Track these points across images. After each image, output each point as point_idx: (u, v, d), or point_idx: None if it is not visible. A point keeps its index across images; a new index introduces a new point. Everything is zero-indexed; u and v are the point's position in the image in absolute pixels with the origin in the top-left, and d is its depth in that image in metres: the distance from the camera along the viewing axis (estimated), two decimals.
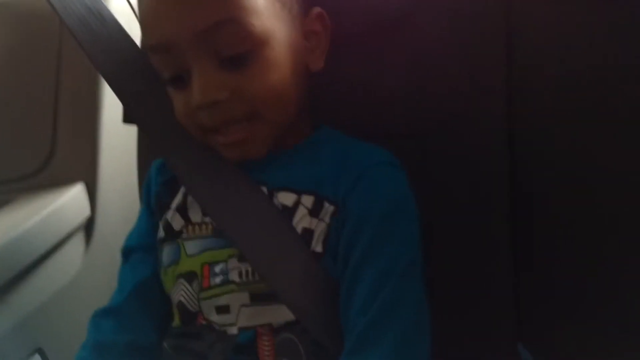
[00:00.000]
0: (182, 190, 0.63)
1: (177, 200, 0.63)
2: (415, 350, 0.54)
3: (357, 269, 0.54)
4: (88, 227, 0.98)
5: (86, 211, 0.96)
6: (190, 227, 0.61)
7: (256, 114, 0.55)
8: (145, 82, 0.61)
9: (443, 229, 0.67)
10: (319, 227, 0.56)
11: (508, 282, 0.67)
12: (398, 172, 0.59)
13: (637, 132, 0.58)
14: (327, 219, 0.56)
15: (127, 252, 0.67)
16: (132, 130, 0.84)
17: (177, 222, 0.61)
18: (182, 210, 0.62)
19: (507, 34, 0.65)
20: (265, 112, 0.55)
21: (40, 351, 0.86)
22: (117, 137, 0.99)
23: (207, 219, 0.60)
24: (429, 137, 0.68)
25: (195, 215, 0.61)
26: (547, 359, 0.67)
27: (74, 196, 0.94)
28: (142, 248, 0.66)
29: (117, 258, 0.70)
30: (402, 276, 0.54)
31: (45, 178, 0.97)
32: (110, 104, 0.97)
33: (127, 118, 0.77)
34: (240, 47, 0.53)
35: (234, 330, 0.56)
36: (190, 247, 0.60)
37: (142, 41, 0.57)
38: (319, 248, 0.56)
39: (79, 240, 0.96)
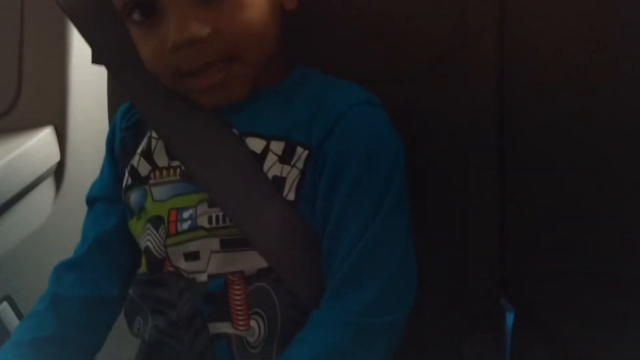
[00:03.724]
0: (147, 134, 0.60)
1: (143, 144, 0.60)
2: (403, 289, 0.53)
3: (340, 216, 0.52)
4: (58, 172, 0.95)
5: (56, 156, 0.93)
6: (157, 172, 0.58)
7: (235, 54, 0.52)
8: (112, 21, 0.58)
9: (427, 176, 0.65)
10: (292, 174, 0.54)
11: (492, 236, 0.65)
12: (377, 111, 0.56)
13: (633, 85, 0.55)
14: (300, 164, 0.54)
15: (91, 203, 0.65)
16: (103, 71, 0.79)
17: (144, 168, 0.59)
18: (147, 154, 0.59)
19: None
20: (243, 52, 0.53)
21: (8, 298, 0.84)
22: (87, 78, 0.94)
23: (175, 163, 0.57)
24: (414, 81, 0.64)
25: (162, 160, 0.58)
26: (530, 314, 0.66)
27: (42, 140, 0.91)
28: (105, 199, 0.64)
29: None
30: (387, 217, 0.52)
31: (11, 121, 0.93)
32: (80, 44, 0.91)
33: (96, 58, 0.73)
34: None
35: (203, 278, 0.54)
36: (158, 192, 0.57)
37: None
38: (291, 196, 0.54)
39: (48, 185, 0.94)
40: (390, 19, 0.64)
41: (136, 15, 0.52)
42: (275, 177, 0.54)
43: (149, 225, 0.57)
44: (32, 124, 0.92)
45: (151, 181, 0.58)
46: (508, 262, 0.66)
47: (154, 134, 0.60)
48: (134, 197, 0.59)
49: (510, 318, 0.68)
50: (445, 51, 0.63)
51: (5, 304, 0.83)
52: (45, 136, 0.91)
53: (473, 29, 0.63)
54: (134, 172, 0.60)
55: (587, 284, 0.59)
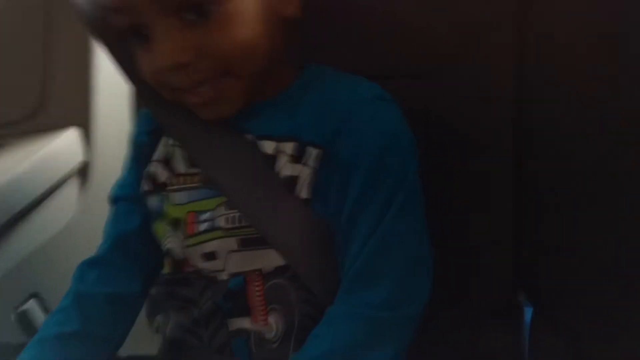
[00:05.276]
0: (164, 140, 0.61)
1: (160, 150, 0.61)
2: (416, 284, 0.53)
3: (353, 212, 0.53)
4: (83, 171, 0.96)
5: (81, 156, 0.95)
6: (175, 179, 0.59)
7: (225, 71, 0.52)
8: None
9: (444, 173, 0.65)
10: (304, 173, 0.54)
11: (509, 232, 0.65)
12: (388, 107, 0.56)
13: None
14: (312, 163, 0.54)
15: (113, 202, 0.67)
16: None
17: (161, 174, 0.60)
18: (165, 161, 0.60)
19: None
20: (235, 68, 0.52)
21: (36, 296, 0.86)
22: (111, 79, 0.93)
23: (193, 170, 0.58)
24: (431, 76, 0.65)
25: (180, 166, 0.59)
26: (548, 310, 0.66)
27: (68, 140, 0.92)
28: (127, 199, 0.65)
29: None
30: (399, 213, 0.53)
31: (38, 122, 0.94)
32: None
33: None
34: (204, 4, 0.49)
35: (223, 277, 0.55)
36: (177, 197, 0.58)
37: (98, 1, 0.54)
38: (304, 194, 0.54)
39: (74, 185, 0.95)
40: (405, 13, 0.64)
41: (132, 39, 0.53)
42: (287, 176, 0.55)
43: (169, 228, 0.58)
44: (58, 125, 0.93)
45: (169, 187, 0.59)
46: (525, 257, 0.66)
47: (171, 141, 0.61)
48: (152, 201, 0.61)
49: (528, 313, 0.68)
50: (462, 45, 0.63)
51: (33, 301, 0.85)
52: (70, 136, 0.93)
53: (489, 21, 0.62)
54: (152, 178, 0.61)
55: (605, 281, 0.59)
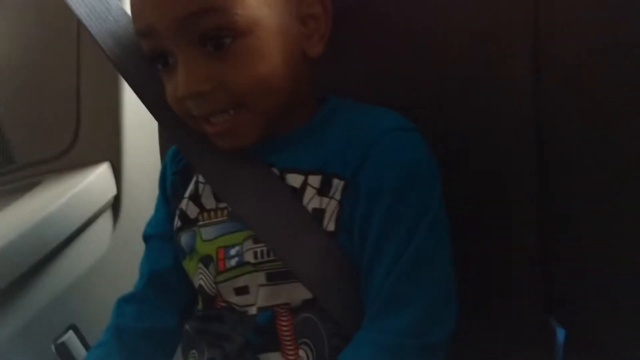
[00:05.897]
0: (194, 178, 0.63)
1: (190, 188, 0.63)
2: (443, 311, 0.53)
3: (377, 241, 0.53)
4: (115, 205, 0.99)
5: (112, 190, 0.98)
6: (205, 214, 0.60)
7: (242, 104, 0.54)
8: (151, 67, 0.60)
9: (467, 201, 0.65)
10: (330, 206, 0.55)
11: (537, 254, 0.65)
12: (411, 136, 0.56)
13: None
14: (337, 196, 0.55)
15: (146, 240, 0.69)
16: None
17: (192, 210, 0.62)
18: (195, 198, 0.62)
19: None
20: (251, 103, 0.53)
21: (74, 327, 0.88)
22: (140, 115, 0.96)
23: (221, 205, 0.60)
24: (447, 105, 0.65)
25: (209, 202, 0.61)
26: (578, 332, 0.66)
27: (100, 176, 0.95)
28: (159, 236, 0.67)
29: None
30: (423, 240, 0.53)
31: (71, 159, 0.98)
32: None
33: None
34: (223, 37, 0.51)
35: (253, 311, 0.56)
36: (206, 232, 0.60)
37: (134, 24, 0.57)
38: (331, 227, 0.55)
39: (106, 218, 0.98)
40: (422, 44, 0.65)
41: (158, 65, 0.55)
42: (314, 209, 0.55)
43: (200, 265, 0.59)
44: (90, 161, 0.97)
45: (200, 223, 0.60)
46: (555, 280, 0.65)
47: (200, 178, 0.62)
48: (184, 238, 0.62)
49: (561, 336, 0.68)
50: (479, 73, 0.63)
51: (71, 332, 0.87)
52: (102, 172, 0.96)
53: (506, 49, 0.62)
54: (183, 215, 0.62)
55: (635, 303, 0.58)
